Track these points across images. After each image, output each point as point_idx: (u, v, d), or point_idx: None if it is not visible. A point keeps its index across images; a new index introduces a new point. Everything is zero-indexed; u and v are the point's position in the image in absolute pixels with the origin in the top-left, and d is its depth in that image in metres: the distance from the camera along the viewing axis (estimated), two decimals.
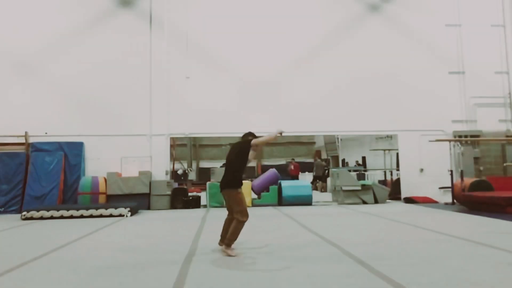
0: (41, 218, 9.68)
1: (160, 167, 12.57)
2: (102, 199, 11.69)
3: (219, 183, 12.63)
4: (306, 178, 22.23)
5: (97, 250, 5.72)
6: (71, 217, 9.76)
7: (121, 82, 12.76)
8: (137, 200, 11.47)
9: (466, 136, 13.33)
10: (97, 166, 12.31)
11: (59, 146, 12.24)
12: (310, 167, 24.28)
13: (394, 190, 13.61)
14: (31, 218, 9.65)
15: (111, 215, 9.88)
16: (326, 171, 20.52)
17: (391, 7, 13.75)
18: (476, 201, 10.31)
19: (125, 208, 10.02)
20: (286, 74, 13.28)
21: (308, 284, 3.78)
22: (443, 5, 13.89)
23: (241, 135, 6.17)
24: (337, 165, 23.46)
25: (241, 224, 5.28)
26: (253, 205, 12.30)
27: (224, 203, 5.78)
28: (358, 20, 13.64)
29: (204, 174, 26.41)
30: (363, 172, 20.04)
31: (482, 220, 8.18)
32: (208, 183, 12.54)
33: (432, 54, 13.66)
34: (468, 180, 11.43)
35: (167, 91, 12.83)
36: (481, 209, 9.90)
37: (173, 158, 17.32)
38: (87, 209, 9.96)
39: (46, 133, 12.37)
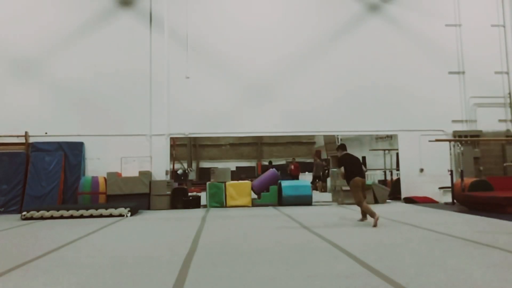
0: (41, 218, 9.70)
1: (160, 167, 12.57)
2: (102, 199, 11.69)
3: (220, 183, 12.70)
4: (306, 178, 22.21)
5: (97, 250, 5.72)
6: (71, 217, 9.76)
7: (121, 82, 12.77)
8: (137, 200, 11.47)
9: (466, 136, 13.33)
10: (97, 166, 12.33)
11: (59, 146, 12.25)
12: (310, 167, 24.28)
13: (394, 190, 13.61)
14: (31, 218, 9.66)
15: (111, 215, 9.89)
16: (326, 171, 20.50)
17: (391, 7, 13.75)
18: (476, 201, 10.31)
19: (125, 208, 10.03)
20: (286, 74, 13.28)
21: (308, 284, 3.78)
22: (443, 5, 13.89)
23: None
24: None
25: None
26: (253, 205, 12.30)
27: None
28: (358, 19, 13.64)
29: (204, 174, 26.39)
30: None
31: (482, 220, 8.17)
32: (208, 183, 12.52)
33: (432, 54, 13.67)
34: (468, 180, 11.43)
35: (167, 91, 12.84)
36: (481, 209, 9.90)
37: (173, 158, 17.32)
38: (87, 209, 9.96)
39: (46, 133, 12.37)
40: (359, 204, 8.09)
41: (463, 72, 13.64)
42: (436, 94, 13.48)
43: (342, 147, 8.85)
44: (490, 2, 14.05)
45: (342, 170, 8.26)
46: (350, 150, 8.99)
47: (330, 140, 25.53)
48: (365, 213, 8.24)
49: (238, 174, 23.62)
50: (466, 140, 13.28)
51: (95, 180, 11.87)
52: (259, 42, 13.28)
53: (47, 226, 8.44)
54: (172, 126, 12.85)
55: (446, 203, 12.04)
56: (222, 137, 27.95)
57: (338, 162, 8.72)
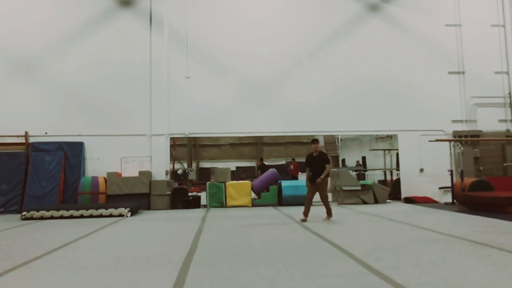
0: (41, 218, 9.70)
1: (160, 167, 12.57)
2: (102, 199, 11.70)
3: (220, 183, 12.73)
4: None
5: (97, 250, 5.72)
6: (71, 217, 9.77)
7: (121, 82, 12.77)
8: (137, 200, 11.48)
9: (466, 136, 13.33)
10: (97, 166, 12.33)
11: (59, 146, 12.25)
12: None
13: (394, 190, 13.61)
14: (31, 218, 9.67)
15: (111, 215, 9.89)
16: None
17: (391, 7, 13.75)
18: (476, 201, 10.31)
19: (125, 208, 10.03)
20: (286, 74, 13.29)
21: (308, 284, 3.78)
22: (443, 5, 13.89)
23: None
24: (337, 165, 23.44)
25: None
26: (253, 205, 12.31)
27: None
28: (358, 20, 13.64)
29: (204, 174, 26.42)
30: (363, 172, 20.03)
31: (482, 220, 8.18)
32: (208, 183, 12.53)
33: (432, 54, 13.67)
34: (468, 180, 11.43)
35: (167, 91, 12.84)
36: (481, 209, 9.90)
37: (173, 158, 17.32)
38: (87, 209, 9.97)
39: (46, 133, 12.38)
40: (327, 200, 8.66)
41: (463, 72, 13.64)
42: (436, 94, 13.48)
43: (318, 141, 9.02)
44: (490, 2, 14.05)
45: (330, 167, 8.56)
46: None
47: (330, 140, 25.55)
48: (306, 212, 8.51)
49: (238, 174, 23.64)
50: (466, 140, 13.28)
51: (95, 180, 11.87)
52: (260, 42, 13.26)
53: (47, 226, 8.44)
54: (172, 126, 12.85)
55: (446, 203, 12.04)
56: (222, 137, 27.95)
57: (326, 158, 8.65)
